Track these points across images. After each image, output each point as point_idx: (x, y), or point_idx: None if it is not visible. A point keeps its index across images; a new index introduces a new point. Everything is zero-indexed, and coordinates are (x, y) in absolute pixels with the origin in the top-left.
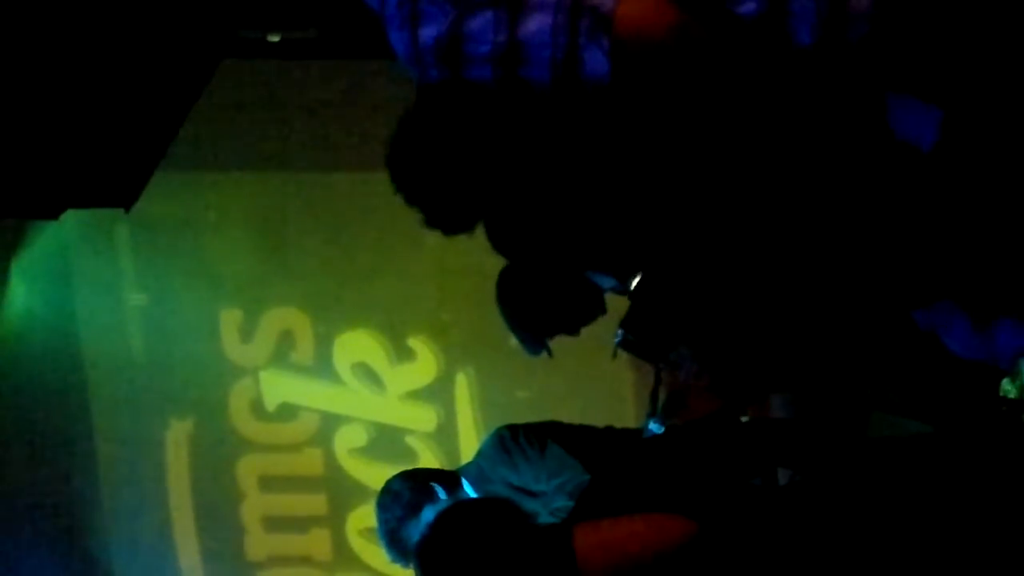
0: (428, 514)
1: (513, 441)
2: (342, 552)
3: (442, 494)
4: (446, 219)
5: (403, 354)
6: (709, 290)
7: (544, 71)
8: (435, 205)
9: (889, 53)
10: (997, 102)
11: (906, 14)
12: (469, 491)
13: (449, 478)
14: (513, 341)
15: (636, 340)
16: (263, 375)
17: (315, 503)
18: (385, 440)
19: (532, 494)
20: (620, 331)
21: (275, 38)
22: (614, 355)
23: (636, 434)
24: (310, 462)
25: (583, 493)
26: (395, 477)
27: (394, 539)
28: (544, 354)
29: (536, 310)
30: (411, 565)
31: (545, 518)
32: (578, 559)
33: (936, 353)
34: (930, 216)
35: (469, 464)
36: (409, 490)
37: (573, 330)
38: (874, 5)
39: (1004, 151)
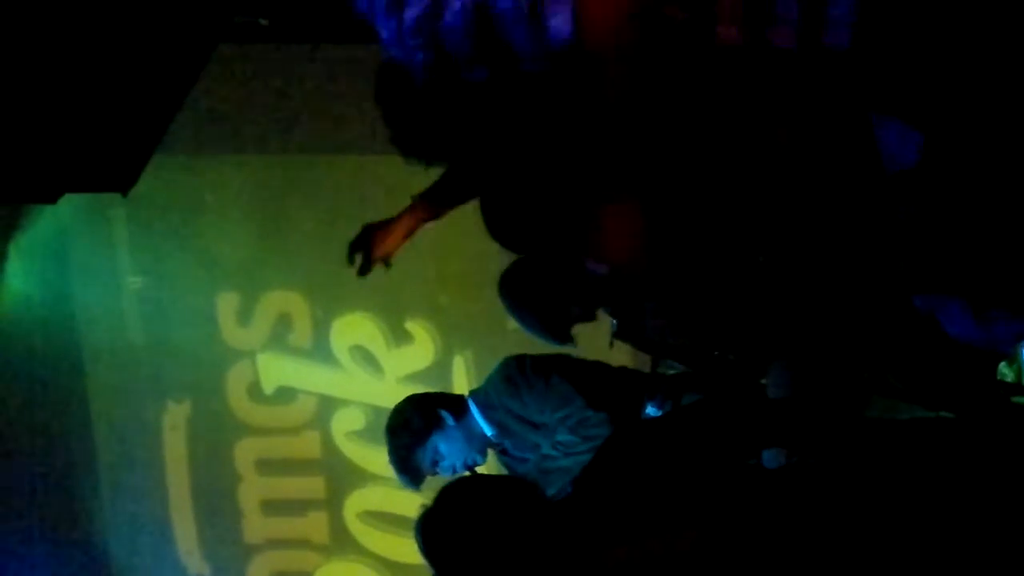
0: (436, 441)
1: (519, 372)
2: (340, 535)
3: (450, 420)
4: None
5: (401, 337)
6: (697, 279)
7: (518, 29)
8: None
9: (870, 71)
10: (974, 125)
11: (886, 27)
12: (477, 415)
13: (457, 403)
14: (511, 324)
15: (626, 329)
16: (260, 358)
17: (313, 486)
18: (383, 423)
19: (535, 425)
20: (614, 321)
21: (264, 22)
22: (611, 345)
23: (645, 378)
24: (308, 445)
25: (585, 473)
26: (405, 400)
27: (405, 466)
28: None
29: (548, 306)
30: (419, 489)
31: (547, 450)
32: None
33: (935, 337)
34: (928, 218)
35: (480, 387)
36: (417, 417)
37: (588, 316)
38: (852, 11)
39: (984, 170)
